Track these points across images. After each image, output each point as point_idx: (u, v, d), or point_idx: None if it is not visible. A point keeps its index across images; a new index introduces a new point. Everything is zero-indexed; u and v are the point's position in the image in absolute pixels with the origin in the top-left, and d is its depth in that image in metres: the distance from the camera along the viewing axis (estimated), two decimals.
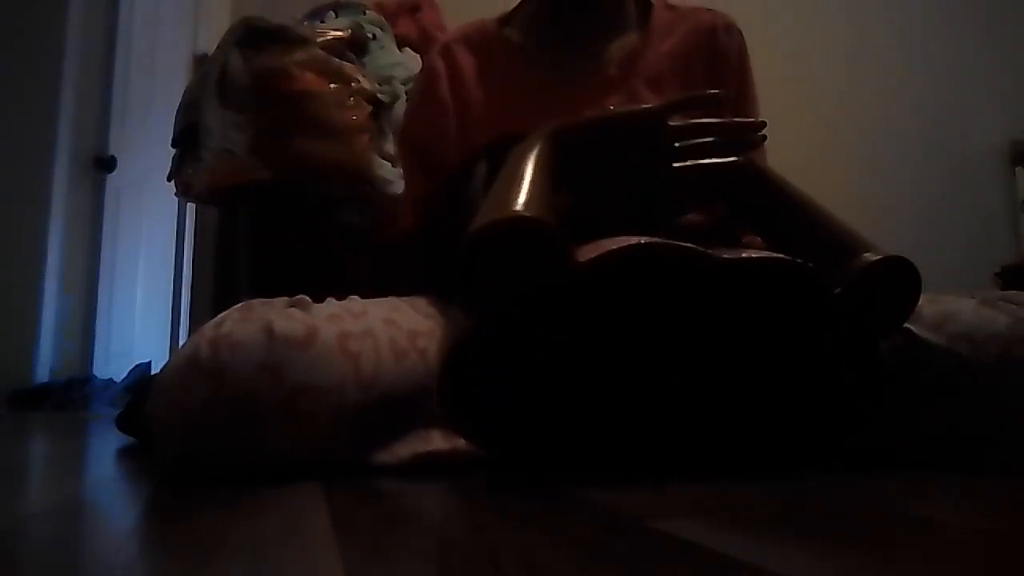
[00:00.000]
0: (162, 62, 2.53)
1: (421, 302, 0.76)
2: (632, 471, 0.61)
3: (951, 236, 2.62)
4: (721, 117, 0.74)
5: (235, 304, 0.67)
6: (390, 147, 1.77)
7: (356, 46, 1.83)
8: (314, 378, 0.62)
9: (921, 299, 0.65)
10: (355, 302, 0.72)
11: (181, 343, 2.07)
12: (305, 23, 1.91)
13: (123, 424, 1.02)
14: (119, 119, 2.91)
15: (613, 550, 0.36)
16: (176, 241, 2.30)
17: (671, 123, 0.71)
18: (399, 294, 0.79)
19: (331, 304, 0.70)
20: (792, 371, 0.64)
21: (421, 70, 1.01)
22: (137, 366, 2.28)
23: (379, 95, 1.76)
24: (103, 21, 3.02)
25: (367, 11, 1.98)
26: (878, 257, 0.62)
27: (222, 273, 1.83)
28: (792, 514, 0.47)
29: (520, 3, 0.99)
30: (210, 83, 1.59)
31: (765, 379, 0.64)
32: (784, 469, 0.62)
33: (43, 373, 2.78)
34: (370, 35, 1.87)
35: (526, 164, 0.63)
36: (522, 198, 0.59)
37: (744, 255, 0.61)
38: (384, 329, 0.68)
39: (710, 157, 0.71)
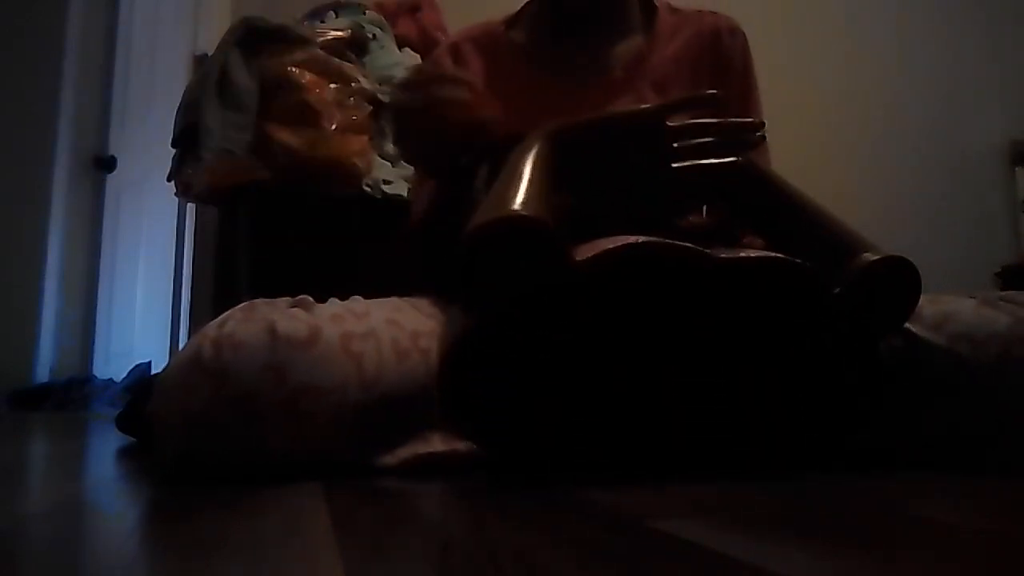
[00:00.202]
0: (162, 62, 2.53)
1: (424, 302, 0.77)
2: (632, 471, 0.61)
3: (951, 236, 2.62)
4: (721, 117, 0.74)
5: (235, 304, 0.67)
6: (390, 147, 1.77)
7: (356, 46, 1.83)
8: (316, 378, 0.62)
9: (921, 299, 0.65)
10: (358, 302, 0.72)
11: (181, 343, 2.08)
12: (305, 23, 1.91)
13: (123, 424, 1.02)
14: (119, 119, 2.91)
15: (613, 550, 0.36)
16: (176, 241, 2.30)
17: (670, 123, 0.71)
18: (402, 294, 0.79)
19: (334, 304, 0.70)
20: (792, 371, 0.64)
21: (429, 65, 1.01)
22: (137, 366, 2.28)
23: (379, 95, 1.76)
24: (103, 21, 3.02)
25: (367, 11, 1.97)
26: (878, 257, 0.62)
27: (222, 273, 1.83)
28: (792, 514, 0.47)
29: (524, 5, 0.99)
30: (210, 83, 1.59)
31: (765, 379, 0.64)
32: (784, 469, 0.62)
33: (43, 373, 2.78)
34: (370, 35, 1.87)
35: (525, 164, 0.63)
36: (521, 197, 0.59)
37: (743, 255, 0.61)
38: (386, 329, 0.68)
39: (710, 157, 0.72)
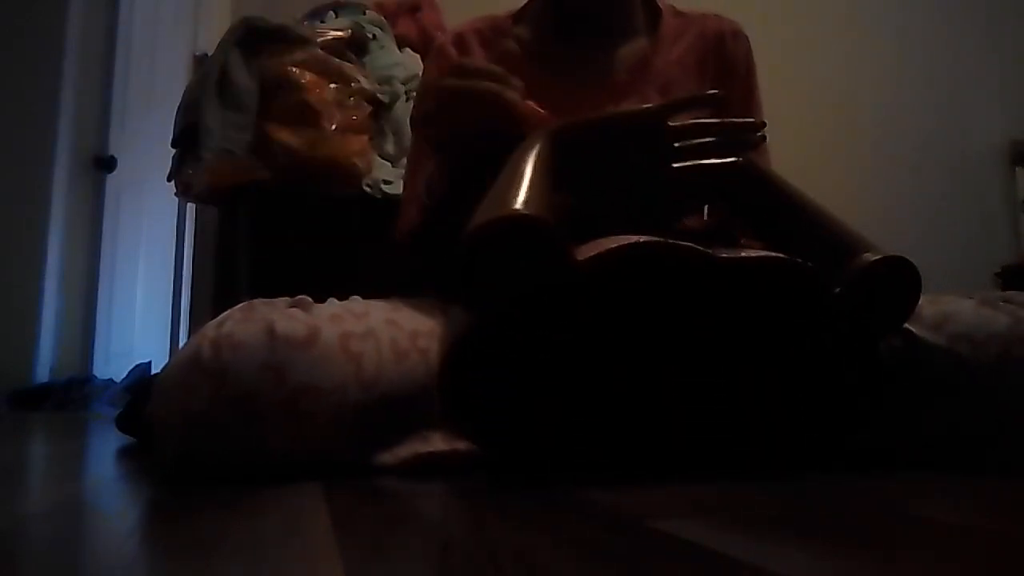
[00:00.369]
0: (162, 62, 2.53)
1: (423, 302, 0.76)
2: (632, 471, 0.61)
3: (951, 236, 2.62)
4: (722, 118, 0.74)
5: (235, 304, 0.67)
6: (390, 147, 1.77)
7: (356, 46, 1.83)
8: (315, 379, 0.62)
9: (921, 299, 0.65)
10: (357, 302, 0.72)
11: (181, 343, 2.08)
12: (305, 23, 1.91)
13: (123, 424, 1.02)
14: (119, 119, 2.91)
15: (613, 550, 0.36)
16: (176, 241, 2.30)
17: (671, 123, 0.71)
18: (401, 294, 0.79)
19: (332, 304, 0.70)
20: (792, 371, 0.64)
21: (433, 57, 0.99)
22: (137, 366, 2.28)
23: (379, 95, 1.76)
24: (103, 21, 3.02)
25: (367, 11, 1.98)
26: (878, 257, 0.62)
27: (222, 273, 1.83)
28: (792, 514, 0.47)
29: (529, 1, 0.99)
30: (210, 83, 1.59)
31: (765, 379, 0.64)
32: (784, 469, 0.62)
33: (43, 373, 2.79)
34: (370, 35, 1.87)
35: (526, 163, 0.63)
36: (522, 197, 0.59)
37: (744, 255, 0.61)
38: (386, 329, 0.68)
39: (710, 157, 0.72)
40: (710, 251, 0.59)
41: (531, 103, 0.72)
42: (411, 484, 0.60)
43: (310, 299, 0.69)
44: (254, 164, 1.60)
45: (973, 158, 2.77)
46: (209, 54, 1.78)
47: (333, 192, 1.66)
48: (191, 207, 2.19)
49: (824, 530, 0.41)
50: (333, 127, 1.63)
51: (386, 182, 1.69)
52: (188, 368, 0.61)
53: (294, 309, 0.66)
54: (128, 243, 2.72)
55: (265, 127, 1.60)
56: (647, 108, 0.71)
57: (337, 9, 1.98)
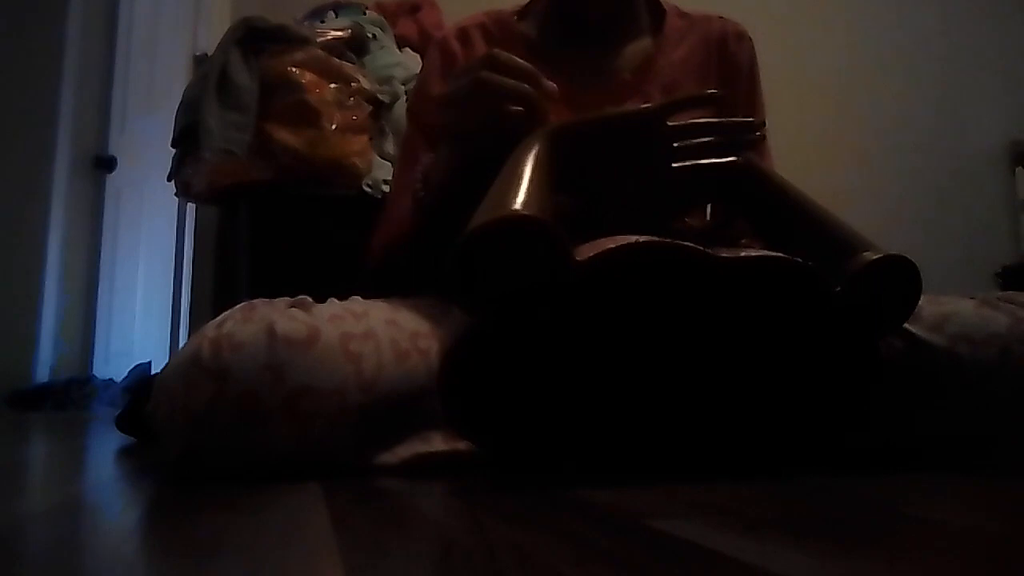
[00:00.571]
0: (162, 62, 2.54)
1: (423, 303, 0.76)
2: (632, 471, 0.61)
3: (951, 236, 2.62)
4: (722, 117, 0.74)
5: (235, 304, 0.67)
6: (390, 147, 1.77)
7: (356, 46, 1.83)
8: (316, 379, 0.62)
9: (921, 300, 0.65)
10: (357, 303, 0.72)
11: (181, 343, 2.08)
12: (305, 23, 1.91)
13: (123, 424, 1.02)
14: (119, 119, 2.91)
15: (612, 550, 0.36)
16: (176, 241, 2.30)
17: (670, 123, 0.71)
18: (401, 295, 0.79)
19: (333, 305, 0.70)
20: (792, 371, 0.64)
21: (435, 49, 0.98)
22: (137, 366, 2.28)
23: (379, 95, 1.76)
24: (103, 21, 3.03)
25: (367, 11, 1.98)
26: (878, 256, 0.62)
27: (222, 273, 1.83)
28: (792, 514, 0.47)
29: None
30: (210, 83, 1.59)
31: (765, 378, 0.64)
32: (784, 469, 0.62)
33: (43, 373, 2.79)
34: (370, 35, 1.87)
35: (524, 164, 0.63)
36: (521, 197, 0.58)
37: (744, 254, 0.61)
38: (386, 330, 0.68)
39: (709, 157, 0.72)
40: (709, 250, 0.59)
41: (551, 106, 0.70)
42: (411, 484, 0.60)
43: (310, 299, 0.69)
44: (254, 164, 1.60)
45: (973, 158, 2.77)
46: (209, 54, 1.78)
47: (333, 192, 1.66)
48: (191, 207, 2.19)
49: (824, 530, 0.41)
50: (333, 127, 1.63)
51: (386, 182, 1.69)
52: (188, 368, 0.61)
53: (294, 309, 0.66)
54: (128, 243, 2.72)
55: (265, 127, 1.60)
56: (646, 108, 0.71)
57: (337, 9, 1.98)
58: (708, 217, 0.86)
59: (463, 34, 0.96)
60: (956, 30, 2.82)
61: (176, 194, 1.86)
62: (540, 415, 0.63)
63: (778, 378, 0.64)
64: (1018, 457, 0.66)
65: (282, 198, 1.66)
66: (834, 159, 2.56)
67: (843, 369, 0.63)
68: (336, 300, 0.72)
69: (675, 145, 0.71)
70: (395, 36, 1.99)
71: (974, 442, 0.67)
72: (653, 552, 0.35)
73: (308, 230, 1.65)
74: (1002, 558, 0.35)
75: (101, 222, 2.95)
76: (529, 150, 0.65)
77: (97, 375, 2.70)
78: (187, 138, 1.66)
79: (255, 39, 1.66)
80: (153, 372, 2.06)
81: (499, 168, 0.63)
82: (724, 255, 0.60)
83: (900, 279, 0.62)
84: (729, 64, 0.94)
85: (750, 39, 0.97)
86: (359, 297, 0.74)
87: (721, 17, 0.98)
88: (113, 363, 2.61)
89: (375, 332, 0.67)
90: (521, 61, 0.70)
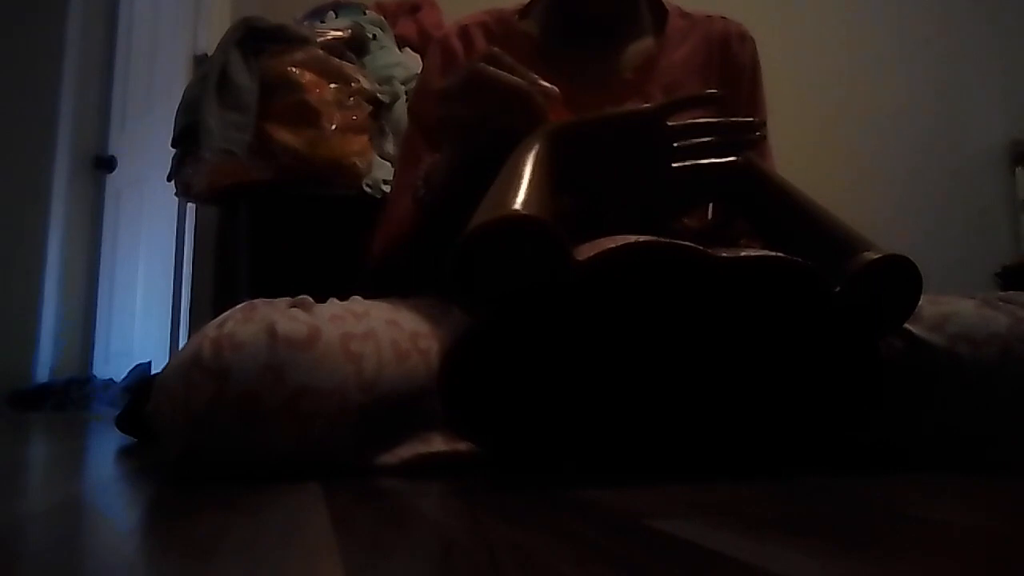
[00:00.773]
0: (162, 62, 2.54)
1: (424, 303, 0.76)
2: (632, 471, 0.61)
3: (951, 236, 2.62)
4: (722, 117, 0.74)
5: (235, 304, 0.67)
6: (390, 147, 1.77)
7: (356, 46, 1.83)
8: (316, 379, 0.62)
9: (921, 300, 0.65)
10: (357, 303, 0.72)
11: (181, 343, 2.08)
12: (305, 23, 1.91)
13: (123, 424, 1.02)
14: (119, 119, 2.91)
15: (612, 550, 0.36)
16: (176, 241, 2.30)
17: (670, 123, 0.71)
18: (401, 295, 0.79)
19: (333, 305, 0.70)
20: (792, 371, 0.64)
21: (436, 47, 0.98)
22: (137, 366, 2.29)
23: (379, 95, 1.76)
24: (103, 21, 3.03)
25: (367, 11, 1.98)
26: (878, 255, 0.62)
27: (222, 273, 1.83)
28: (792, 514, 0.47)
29: None
30: (210, 83, 1.59)
31: (765, 378, 0.64)
32: (784, 469, 0.62)
33: (43, 373, 2.79)
34: (370, 35, 1.87)
35: (524, 164, 0.63)
36: (521, 197, 0.58)
37: (744, 254, 0.61)
38: (386, 330, 0.68)
39: (709, 157, 0.71)
40: (709, 250, 0.59)
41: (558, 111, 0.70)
42: (411, 484, 0.60)
43: (311, 299, 0.69)
44: (254, 164, 1.60)
45: (973, 158, 2.77)
46: (209, 54, 1.78)
47: (333, 192, 1.66)
48: (191, 207, 2.19)
49: (824, 530, 0.41)
50: (333, 127, 1.63)
51: (386, 182, 1.69)
52: (188, 368, 0.61)
53: (295, 309, 0.66)
54: (128, 243, 2.72)
55: (265, 127, 1.60)
56: (646, 108, 0.71)
57: (337, 9, 1.98)
58: (708, 217, 0.86)
59: (464, 32, 0.96)
60: (956, 30, 2.82)
61: (176, 194, 1.86)
62: (540, 415, 0.63)
63: (778, 378, 0.64)
64: (1018, 457, 0.66)
65: (282, 198, 1.66)
66: (834, 159, 2.56)
67: (843, 369, 0.63)
68: (336, 300, 0.72)
69: (675, 145, 0.71)
70: (395, 36, 1.99)
71: (974, 442, 0.67)
72: (653, 552, 0.35)
73: (308, 230, 1.65)
74: (1002, 558, 0.35)
75: (101, 222, 2.95)
76: (529, 150, 0.65)
77: (97, 375, 2.70)
78: (187, 138, 1.65)
79: (255, 39, 1.66)
80: (153, 372, 2.06)
81: (499, 168, 0.63)
82: (724, 255, 0.60)
83: (900, 279, 0.62)
84: (731, 65, 0.94)
85: (752, 39, 0.97)
86: (359, 297, 0.74)
87: (723, 17, 0.98)
88: (113, 363, 2.61)
89: (376, 332, 0.67)
90: (523, 68, 0.71)
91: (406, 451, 0.66)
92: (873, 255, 0.62)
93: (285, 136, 1.60)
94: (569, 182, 0.69)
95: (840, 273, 0.61)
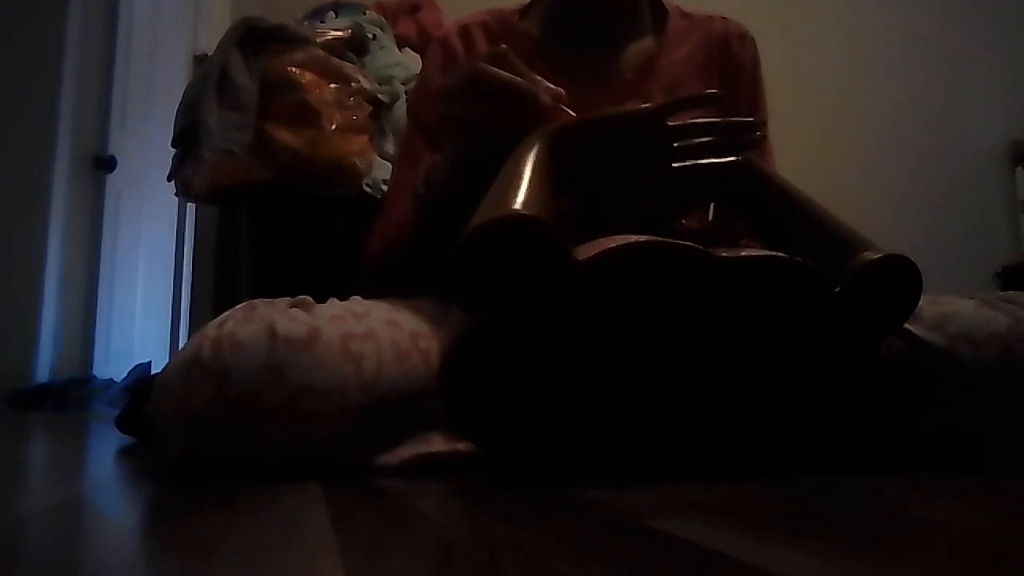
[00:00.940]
0: (162, 62, 2.54)
1: (424, 303, 0.76)
2: (632, 471, 0.61)
3: (951, 236, 2.62)
4: (722, 117, 0.74)
5: (235, 304, 0.67)
6: (390, 147, 1.77)
7: (356, 46, 1.83)
8: (316, 379, 0.62)
9: (921, 300, 0.65)
10: (357, 303, 0.72)
11: (181, 343, 2.08)
12: (305, 23, 1.91)
13: (123, 424, 1.02)
14: (119, 119, 2.91)
15: (612, 550, 0.36)
16: (176, 241, 2.30)
17: (670, 123, 0.71)
18: (400, 295, 0.78)
19: (333, 305, 0.70)
20: (792, 371, 0.64)
21: (436, 46, 0.98)
22: (137, 366, 2.29)
23: (379, 95, 1.76)
24: (103, 21, 3.03)
25: (367, 11, 1.98)
26: (878, 255, 0.62)
27: (222, 273, 1.83)
28: (792, 514, 0.47)
29: None
30: (210, 83, 1.59)
31: (765, 378, 0.64)
32: (784, 469, 0.62)
33: (43, 373, 2.79)
34: (370, 35, 1.87)
35: (524, 164, 0.63)
36: (521, 197, 0.58)
37: (744, 254, 0.61)
38: (386, 330, 0.68)
39: (709, 157, 0.71)
40: (709, 250, 0.59)
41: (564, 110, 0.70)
42: (411, 484, 0.60)
43: (311, 299, 0.69)
44: (254, 164, 1.60)
45: (973, 158, 2.77)
46: (209, 54, 1.78)
47: (333, 192, 1.66)
48: (191, 207, 2.19)
49: (824, 530, 0.41)
50: (333, 127, 1.63)
51: (386, 182, 1.68)
52: (188, 368, 0.61)
53: (295, 309, 0.66)
54: (128, 243, 2.72)
55: (265, 127, 1.60)
56: (646, 108, 0.71)
57: (337, 9, 1.98)
58: (708, 217, 0.86)
59: (465, 32, 0.96)
60: (956, 30, 2.82)
61: (176, 194, 1.86)
62: (540, 415, 0.63)
63: (778, 378, 0.64)
64: (1018, 457, 0.66)
65: (282, 198, 1.66)
66: (834, 159, 2.56)
67: (843, 369, 0.63)
68: (337, 300, 0.72)
69: (675, 145, 0.71)
70: (395, 36, 1.99)
71: (974, 442, 0.67)
72: (653, 552, 0.35)
73: (308, 230, 1.65)
74: (1002, 558, 0.35)
75: (101, 222, 2.95)
76: (529, 150, 0.65)
77: (97, 375, 2.70)
78: (187, 138, 1.65)
79: (255, 39, 1.66)
80: (153, 372, 2.06)
81: (499, 168, 0.63)
82: (724, 255, 0.60)
83: (900, 279, 0.62)
84: (731, 65, 0.94)
85: (753, 40, 0.97)
86: (359, 297, 0.74)
87: (724, 18, 0.98)
88: (113, 363, 2.61)
89: (376, 332, 0.67)
90: (526, 69, 0.70)
91: (406, 451, 0.66)
92: (873, 255, 0.62)
93: (285, 136, 1.60)
94: (569, 182, 0.69)
95: (840, 273, 0.61)
